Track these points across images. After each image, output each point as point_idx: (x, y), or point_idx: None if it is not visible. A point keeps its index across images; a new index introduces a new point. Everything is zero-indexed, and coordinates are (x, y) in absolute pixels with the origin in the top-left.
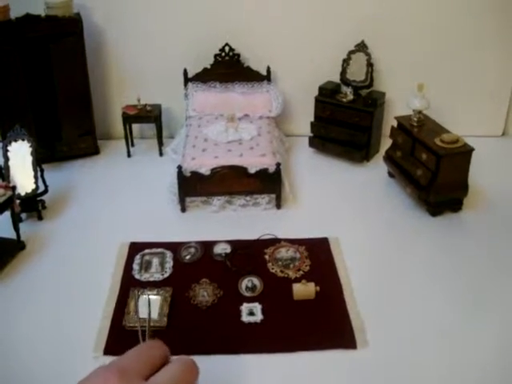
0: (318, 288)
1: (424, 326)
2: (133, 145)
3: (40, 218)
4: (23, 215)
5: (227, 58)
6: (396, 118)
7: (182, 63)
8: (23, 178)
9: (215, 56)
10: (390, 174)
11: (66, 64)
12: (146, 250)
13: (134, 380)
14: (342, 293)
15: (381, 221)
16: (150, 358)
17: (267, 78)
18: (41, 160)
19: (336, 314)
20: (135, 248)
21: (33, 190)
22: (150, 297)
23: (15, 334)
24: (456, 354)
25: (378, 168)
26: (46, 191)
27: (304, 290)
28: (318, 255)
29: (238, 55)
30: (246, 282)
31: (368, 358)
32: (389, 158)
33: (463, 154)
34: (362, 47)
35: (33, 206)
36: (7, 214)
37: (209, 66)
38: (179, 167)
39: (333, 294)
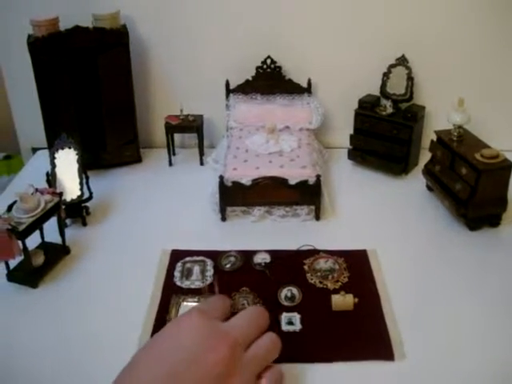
0: (356, 300)
1: (462, 339)
2: (174, 154)
3: (84, 223)
4: (68, 221)
5: (269, 70)
6: (436, 131)
7: (224, 75)
8: (69, 185)
9: (257, 68)
10: (429, 188)
11: (111, 75)
12: (187, 258)
13: (213, 319)
14: (379, 305)
15: (419, 234)
16: (224, 307)
17: (308, 90)
18: (86, 167)
19: (374, 326)
20: (176, 255)
21: (78, 197)
22: (191, 304)
23: (56, 338)
24: (496, 367)
25: (416, 181)
26: (90, 197)
27: (343, 301)
28: (357, 267)
29: (280, 67)
30: (285, 292)
31: (405, 370)
32: (428, 171)
33: (503, 168)
34: (402, 61)
35: (78, 212)
36: (54, 219)
37: (250, 78)
38: (221, 177)
39: (371, 306)
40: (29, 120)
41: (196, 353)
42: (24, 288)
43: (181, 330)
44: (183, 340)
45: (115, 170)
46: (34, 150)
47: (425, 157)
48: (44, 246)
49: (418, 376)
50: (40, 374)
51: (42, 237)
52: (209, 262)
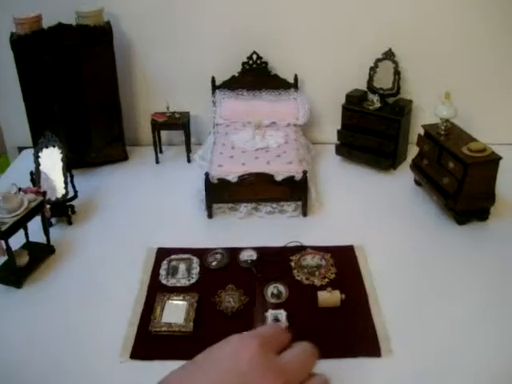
0: (343, 296)
1: (450, 334)
2: (161, 151)
3: (70, 222)
4: (53, 220)
5: (255, 65)
6: (423, 126)
7: (210, 71)
8: (53, 184)
9: (243, 64)
10: (417, 182)
11: (96, 72)
12: (173, 256)
13: (270, 351)
14: (367, 301)
15: (407, 229)
16: (282, 337)
17: (294, 85)
18: (71, 166)
19: (361, 322)
20: (162, 253)
21: (63, 196)
22: (176, 302)
23: (41, 338)
24: (483, 365)
25: (404, 176)
26: (75, 196)
27: (329, 297)
28: (344, 263)
29: (266, 63)
30: (271, 289)
31: (392, 367)
32: (415, 166)
33: (491, 162)
34: (389, 55)
35: (63, 211)
36: (38, 218)
37: (237, 74)
38: (206, 174)
39: (358, 302)
40: (14, 119)
41: (252, 382)
42: (8, 288)
43: (240, 356)
44: (241, 367)
45: (101, 169)
46: (21, 149)
47: (413, 151)
48: (28, 246)
49: (406, 371)
50: (23, 372)
51: (27, 236)
52: (195, 260)
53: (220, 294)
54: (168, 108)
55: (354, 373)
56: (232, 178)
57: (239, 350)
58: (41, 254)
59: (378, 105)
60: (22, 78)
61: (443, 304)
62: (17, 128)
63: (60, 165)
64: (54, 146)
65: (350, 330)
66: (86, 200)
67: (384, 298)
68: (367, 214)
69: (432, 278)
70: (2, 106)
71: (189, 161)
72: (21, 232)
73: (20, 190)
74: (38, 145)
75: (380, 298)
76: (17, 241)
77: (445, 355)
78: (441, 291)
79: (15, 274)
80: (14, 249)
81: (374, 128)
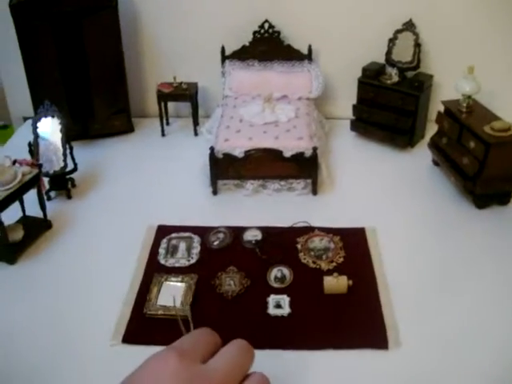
0: (350, 282)
1: (464, 327)
2: (168, 123)
3: (69, 196)
4: (52, 193)
5: (267, 35)
6: (443, 102)
7: (219, 40)
8: (52, 156)
9: (254, 33)
10: (435, 162)
11: (99, 39)
12: (173, 234)
13: (193, 362)
14: (376, 288)
15: (422, 212)
16: (206, 343)
17: (308, 57)
18: (73, 137)
19: (368, 311)
20: (163, 231)
21: (61, 168)
22: (174, 284)
23: (32, 315)
24: (499, 359)
25: (422, 155)
26: (75, 169)
27: (336, 283)
28: (353, 246)
29: (278, 33)
30: (275, 272)
31: (400, 360)
32: (434, 144)
33: None
34: (409, 26)
35: (62, 184)
36: (36, 192)
37: (247, 44)
38: (211, 148)
39: (366, 289)
40: (18, 88)
41: None
42: (1, 264)
43: (158, 378)
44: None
45: (105, 141)
46: (26, 119)
47: (432, 129)
48: (24, 220)
49: (413, 366)
50: (15, 351)
51: (23, 210)
52: (196, 239)
53: (220, 277)
54: (175, 78)
55: (358, 365)
56: (238, 153)
57: (157, 371)
58: (37, 228)
59: (396, 79)
60: (22, 45)
61: (459, 293)
62: (21, 97)
63: (59, 136)
64: (53, 116)
65: (356, 319)
66: (88, 173)
67: (394, 285)
68: (381, 194)
69: (447, 265)
70: (6, 75)
71: (196, 134)
72: (17, 205)
73: (15, 162)
74: (36, 114)
75: (390, 284)
76: (13, 215)
77: (458, 349)
78: (457, 279)
79: (8, 250)
80: (9, 223)
81: (391, 103)
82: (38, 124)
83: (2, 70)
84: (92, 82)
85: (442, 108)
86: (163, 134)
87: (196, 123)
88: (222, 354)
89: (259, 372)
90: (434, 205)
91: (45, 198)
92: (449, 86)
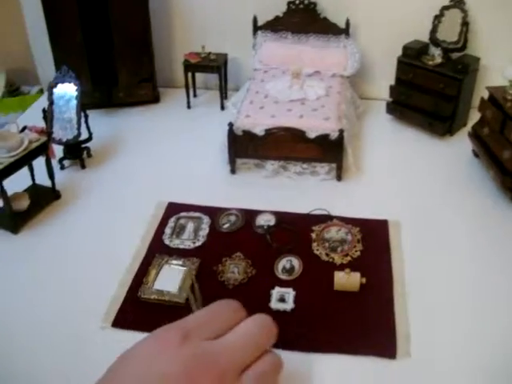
0: (363, 280)
1: (490, 345)
2: (195, 95)
3: (83, 166)
4: (66, 162)
5: (302, 6)
6: (488, 88)
7: (252, 10)
8: (66, 124)
9: (288, 3)
10: (475, 154)
11: (124, 3)
12: (183, 213)
13: (198, 339)
14: (391, 289)
15: (454, 207)
16: (221, 318)
17: (345, 31)
18: (95, 105)
19: (379, 314)
20: (172, 209)
21: (74, 137)
22: (174, 267)
23: (30, 287)
24: None
25: (461, 144)
26: (90, 139)
27: (346, 280)
28: (373, 240)
29: (315, 4)
30: (283, 262)
31: (407, 373)
32: (475, 134)
33: None
34: (458, 2)
35: (76, 153)
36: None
37: (281, 15)
38: (230, 125)
39: (380, 289)
40: (46, 54)
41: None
42: (4, 232)
43: (158, 357)
44: (159, 369)
45: (128, 110)
46: None
47: (475, 117)
48: (33, 189)
49: (421, 380)
50: (15, 323)
51: (33, 179)
52: (205, 220)
53: (224, 263)
54: (203, 48)
55: (360, 374)
56: (259, 130)
57: (156, 349)
58: (44, 198)
59: (439, 60)
60: (45, 7)
61: (485, 302)
62: (49, 63)
63: (75, 103)
64: (69, 82)
65: (366, 322)
66: (106, 143)
67: (413, 287)
68: (411, 185)
69: (476, 269)
70: (34, 41)
71: (222, 108)
72: (27, 173)
73: (25, 128)
74: (52, 80)
75: (408, 286)
76: (24, 183)
77: (476, 365)
78: (486, 288)
79: (12, 218)
80: (16, 191)
81: (432, 86)
82: (54, 90)
83: (31, 36)
84: (116, 49)
85: (486, 94)
86: (189, 107)
87: (224, 96)
88: (237, 330)
89: (274, 353)
90: (469, 200)
91: (55, 167)
92: (497, 70)
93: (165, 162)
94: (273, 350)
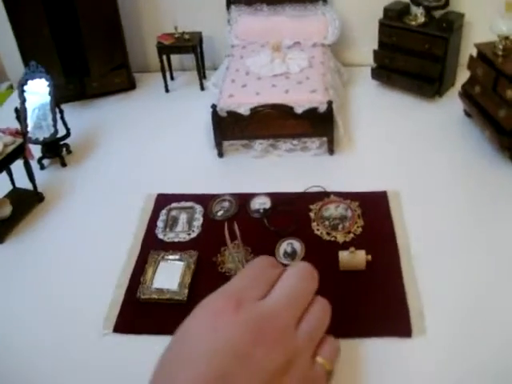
0: (369, 257)
1: (500, 309)
2: (172, 78)
3: (63, 164)
4: (45, 162)
5: None
6: (476, 45)
7: None
8: (41, 122)
9: None
10: (467, 113)
11: None
12: (174, 204)
13: (251, 303)
14: (398, 263)
15: (452, 171)
16: (265, 276)
17: None
18: (69, 98)
19: (389, 291)
20: (163, 201)
21: (51, 135)
22: (172, 263)
23: (21, 299)
24: None
25: (451, 105)
26: (67, 135)
27: (352, 259)
28: (374, 214)
29: None
30: (284, 246)
31: (424, 350)
32: (465, 93)
33: None
34: None
35: (55, 151)
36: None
37: None
38: (213, 106)
39: (387, 265)
40: (12, 50)
41: (242, 350)
42: None
43: (218, 327)
44: (225, 338)
45: (104, 100)
46: None
47: (463, 76)
48: (14, 194)
49: (440, 357)
50: (9, 334)
51: (13, 182)
52: (198, 209)
53: (223, 253)
54: (176, 28)
55: (376, 356)
56: (244, 110)
57: (215, 322)
58: (27, 202)
59: (422, 19)
60: (6, 1)
61: (497, 269)
62: (17, 59)
63: (48, 99)
64: (40, 78)
65: (376, 300)
66: (85, 137)
67: (420, 258)
68: (405, 151)
69: (481, 234)
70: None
71: (202, 88)
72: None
73: None
74: (22, 76)
75: (415, 258)
76: (3, 187)
77: (495, 339)
78: (494, 252)
79: None
80: None
81: (416, 48)
82: (25, 87)
83: None
84: (85, 37)
85: (474, 51)
86: (167, 90)
87: (202, 77)
88: (283, 285)
89: (320, 298)
90: (465, 162)
91: (34, 167)
92: (483, 26)
93: (148, 151)
94: (319, 297)
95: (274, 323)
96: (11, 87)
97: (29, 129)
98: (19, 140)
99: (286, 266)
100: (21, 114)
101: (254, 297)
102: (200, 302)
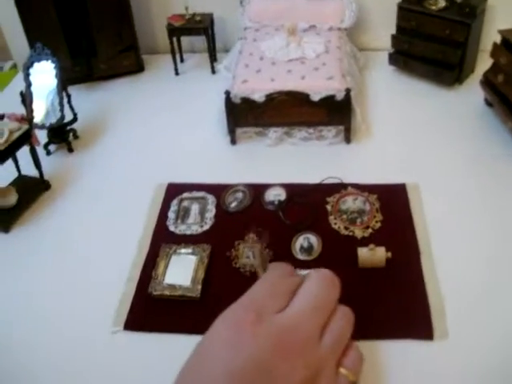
0: (389, 254)
1: None
2: (182, 60)
3: (70, 149)
4: (52, 147)
5: None
6: (500, 31)
7: None
8: (48, 106)
9: None
10: (487, 102)
11: None
12: (185, 194)
13: (271, 315)
14: (419, 261)
15: (473, 163)
16: (283, 286)
17: None
18: (76, 80)
19: (410, 290)
20: (173, 190)
21: (58, 120)
22: (184, 257)
23: (28, 291)
24: None
25: (471, 93)
26: (74, 120)
27: (372, 256)
28: (392, 207)
29: None
30: (301, 241)
31: (445, 355)
32: (487, 82)
33: None
34: None
35: (62, 136)
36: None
37: None
38: (227, 93)
39: (408, 263)
40: (18, 30)
41: (264, 365)
42: None
43: (239, 342)
44: (246, 353)
45: (112, 82)
46: None
47: (484, 63)
48: (19, 182)
49: (462, 360)
50: (4, 329)
51: (18, 170)
52: (210, 200)
53: (237, 247)
54: (187, 9)
55: (394, 359)
56: (258, 97)
57: (235, 337)
58: (33, 190)
59: (442, 4)
60: None
61: None
62: (21, 38)
63: (55, 82)
64: (46, 60)
65: (395, 300)
66: (92, 121)
67: (441, 255)
68: (424, 141)
69: (507, 230)
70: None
71: (213, 72)
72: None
73: (3, 117)
74: (27, 59)
75: (436, 255)
76: (8, 175)
77: None
78: None
79: (1, 217)
80: (1, 186)
81: (436, 33)
82: (31, 70)
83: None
84: (92, 18)
85: (498, 38)
86: (177, 73)
87: (213, 59)
88: (303, 294)
89: (342, 306)
90: (487, 154)
91: (40, 154)
92: (507, 10)
93: (158, 137)
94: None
95: (296, 335)
96: (15, 66)
97: (42, 115)
98: (25, 126)
99: (303, 262)
100: (26, 98)
101: (275, 308)
102: (218, 315)
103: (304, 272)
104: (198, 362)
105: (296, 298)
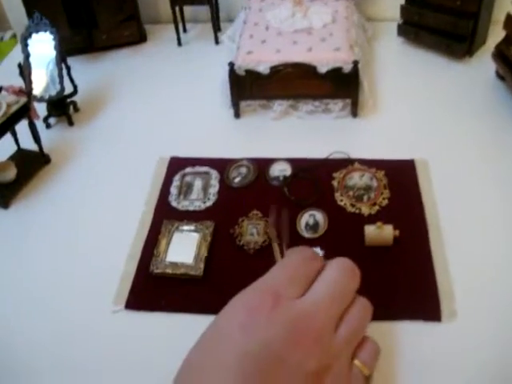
0: (397, 232)
1: None
2: (185, 30)
3: (70, 123)
4: (52, 120)
5: None
6: None
7: None
8: (46, 78)
9: None
10: (499, 76)
11: None
12: (188, 169)
13: (290, 300)
14: (427, 239)
15: (485, 139)
16: (304, 271)
17: None
18: (76, 51)
19: (417, 271)
20: (176, 165)
21: (57, 93)
22: (186, 234)
23: (26, 269)
24: None
25: (483, 65)
26: (75, 92)
27: (379, 234)
28: (401, 184)
29: None
30: (306, 218)
31: (454, 336)
32: (499, 54)
33: None
34: None
35: (62, 109)
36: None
37: None
38: (231, 64)
39: (416, 241)
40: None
41: (276, 353)
42: None
43: (254, 325)
44: (261, 336)
45: (113, 53)
46: None
47: (495, 35)
48: (19, 156)
49: (472, 344)
50: (9, 301)
51: (17, 143)
52: (214, 175)
53: (241, 224)
54: None
55: (402, 340)
56: (263, 68)
57: (251, 319)
58: (33, 165)
59: None
60: None
61: None
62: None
63: (53, 54)
64: (45, 31)
65: (402, 280)
66: (93, 93)
67: (450, 235)
68: (433, 115)
69: None
70: None
71: (217, 42)
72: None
73: (0, 89)
74: (25, 29)
75: (446, 234)
76: (6, 149)
77: None
78: None
79: (0, 192)
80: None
81: (447, 3)
82: (29, 41)
83: None
84: None
85: (511, 9)
86: (180, 44)
87: (217, 29)
88: (323, 281)
89: (360, 297)
90: (498, 129)
91: (40, 127)
92: None
93: (160, 110)
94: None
95: (312, 324)
96: (14, 36)
97: (41, 87)
98: (23, 99)
99: (308, 240)
100: (24, 70)
101: (293, 294)
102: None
103: (320, 252)
104: (211, 341)
105: (315, 286)
